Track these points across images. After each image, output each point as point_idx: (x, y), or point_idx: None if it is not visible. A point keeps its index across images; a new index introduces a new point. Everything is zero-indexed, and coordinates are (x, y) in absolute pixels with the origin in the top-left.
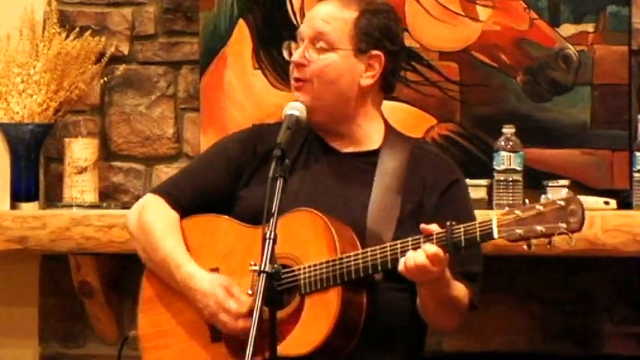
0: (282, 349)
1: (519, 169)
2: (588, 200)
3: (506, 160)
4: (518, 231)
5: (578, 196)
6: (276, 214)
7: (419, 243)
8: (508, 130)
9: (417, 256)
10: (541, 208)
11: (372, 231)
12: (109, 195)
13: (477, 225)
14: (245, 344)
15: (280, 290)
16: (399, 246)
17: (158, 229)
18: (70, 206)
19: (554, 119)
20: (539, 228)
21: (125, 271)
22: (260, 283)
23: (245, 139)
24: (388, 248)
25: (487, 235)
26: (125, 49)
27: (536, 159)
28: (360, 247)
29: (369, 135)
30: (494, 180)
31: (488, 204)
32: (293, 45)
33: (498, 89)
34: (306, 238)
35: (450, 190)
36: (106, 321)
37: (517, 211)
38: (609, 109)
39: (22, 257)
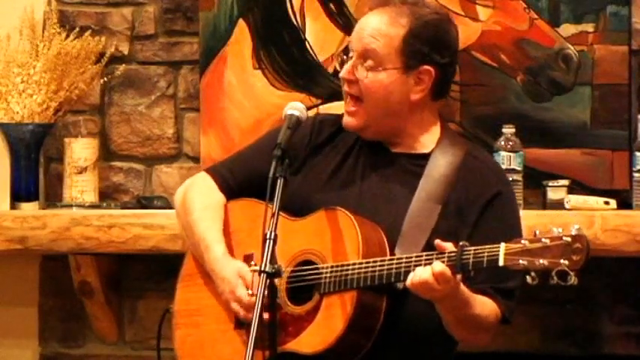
0: (295, 345)
1: (519, 169)
2: (588, 200)
3: (506, 160)
4: (523, 262)
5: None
6: (277, 215)
7: (431, 259)
8: (508, 130)
9: (422, 273)
10: (547, 241)
11: (406, 237)
12: (109, 195)
13: (486, 250)
14: (265, 334)
15: (306, 286)
16: (413, 259)
17: (197, 209)
18: (70, 206)
19: (554, 119)
20: (543, 262)
21: (125, 271)
22: (260, 282)
23: (303, 129)
24: (404, 260)
25: (493, 262)
26: (125, 49)
27: (536, 159)
28: (388, 252)
29: (422, 141)
30: None
31: None
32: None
33: (498, 89)
34: (334, 238)
35: (492, 204)
36: (106, 321)
37: (524, 242)
38: (609, 109)
39: (22, 257)
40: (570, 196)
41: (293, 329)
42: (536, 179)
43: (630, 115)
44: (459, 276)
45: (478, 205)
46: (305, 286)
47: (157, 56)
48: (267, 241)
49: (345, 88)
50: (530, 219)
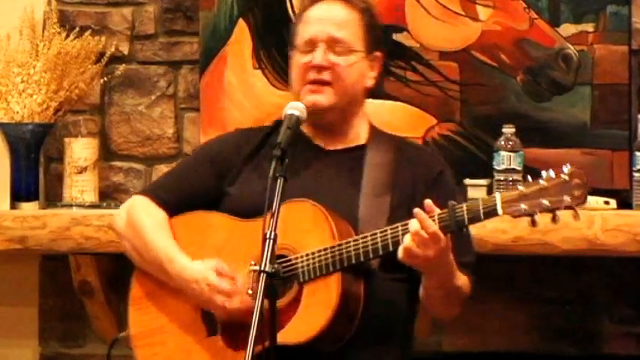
0: (281, 337)
1: (519, 168)
2: (588, 200)
3: (506, 159)
4: (523, 206)
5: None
6: (277, 214)
7: None
8: (508, 130)
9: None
10: (545, 183)
11: (365, 225)
12: (109, 195)
13: (480, 202)
14: (241, 336)
15: (277, 280)
16: (399, 228)
17: (148, 227)
18: (70, 206)
19: (554, 119)
20: (544, 202)
21: (125, 271)
22: (260, 282)
23: (229, 140)
24: (389, 231)
25: (491, 212)
26: (125, 48)
27: (536, 159)
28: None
29: (358, 132)
30: (494, 180)
31: None
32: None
33: (498, 89)
34: (302, 228)
35: (438, 181)
36: (106, 321)
37: (520, 187)
38: (609, 109)
39: (22, 257)
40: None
41: (276, 323)
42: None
43: (630, 115)
44: (447, 237)
45: (426, 183)
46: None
47: (157, 56)
48: (267, 240)
49: (315, 75)
50: None
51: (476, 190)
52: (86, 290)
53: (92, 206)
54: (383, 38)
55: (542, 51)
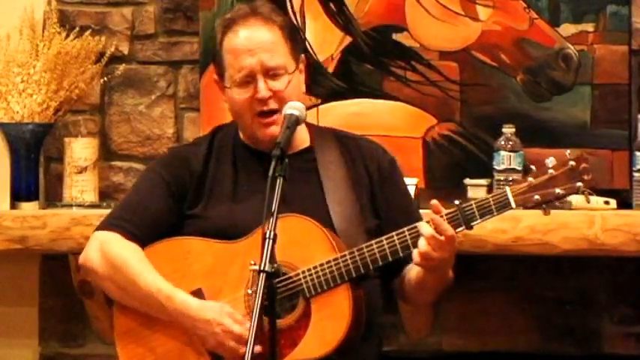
0: (297, 354)
1: (519, 168)
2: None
3: (506, 159)
4: (537, 197)
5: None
6: (276, 214)
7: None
8: (508, 129)
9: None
10: (552, 171)
11: (341, 226)
12: (109, 195)
13: (491, 198)
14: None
15: (280, 298)
16: (407, 233)
17: (133, 262)
18: (70, 206)
19: (554, 119)
20: (558, 190)
21: None
22: (260, 282)
23: (176, 162)
24: (395, 237)
25: (504, 206)
26: (125, 48)
27: (536, 159)
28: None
29: (301, 136)
30: (494, 180)
31: None
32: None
33: (498, 89)
34: (298, 244)
35: (391, 173)
36: (106, 321)
37: (530, 179)
38: (609, 109)
39: (22, 257)
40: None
41: (287, 341)
42: None
43: (630, 115)
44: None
45: (381, 177)
46: (280, 299)
47: (157, 56)
48: (267, 240)
49: (261, 107)
50: (530, 218)
51: (476, 190)
52: (86, 290)
53: (92, 206)
54: (302, 40)
55: (542, 51)
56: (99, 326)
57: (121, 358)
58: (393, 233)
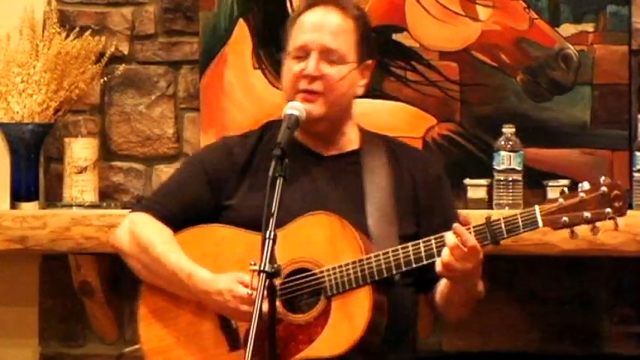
0: (312, 351)
1: (519, 168)
2: None
3: (506, 159)
4: (564, 218)
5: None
6: (275, 214)
7: None
8: (508, 130)
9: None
10: (583, 195)
11: (375, 230)
12: (109, 195)
13: (519, 215)
14: (265, 350)
15: (302, 294)
16: (433, 241)
17: (159, 243)
18: (70, 206)
19: (554, 119)
20: (587, 214)
21: (125, 271)
22: (260, 282)
23: (220, 151)
24: (422, 244)
25: (531, 224)
26: (125, 48)
27: (536, 159)
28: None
29: (350, 138)
30: (494, 180)
31: (488, 204)
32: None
33: (498, 89)
34: (326, 241)
35: (439, 185)
36: (106, 321)
37: (560, 200)
38: (609, 109)
39: (22, 257)
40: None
41: (304, 337)
42: (536, 179)
43: (630, 115)
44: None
45: (427, 188)
46: (297, 295)
47: (157, 56)
48: (267, 240)
49: (306, 85)
50: None
51: (476, 190)
52: (86, 290)
53: (92, 206)
54: (375, 46)
55: (542, 51)
56: (99, 326)
57: (142, 338)
58: (420, 240)
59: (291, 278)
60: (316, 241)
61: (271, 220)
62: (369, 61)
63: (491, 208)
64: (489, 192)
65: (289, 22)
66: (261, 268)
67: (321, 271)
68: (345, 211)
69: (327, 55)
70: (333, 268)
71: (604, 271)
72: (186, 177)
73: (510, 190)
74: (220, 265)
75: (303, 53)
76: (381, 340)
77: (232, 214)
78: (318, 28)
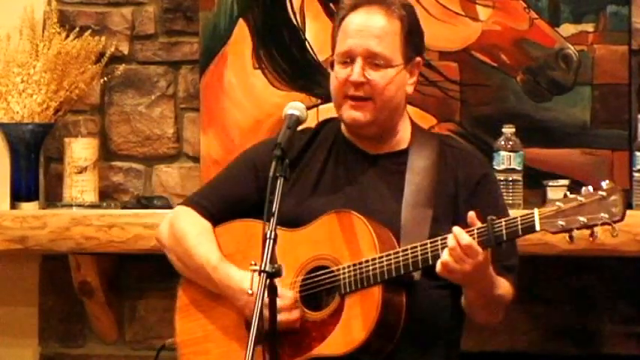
0: (324, 349)
1: (519, 168)
2: None
3: (506, 159)
4: (561, 222)
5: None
6: (276, 214)
7: None
8: (508, 130)
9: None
10: (582, 199)
11: (407, 231)
12: (109, 195)
13: (519, 218)
14: (285, 346)
15: (322, 291)
16: (439, 242)
17: (192, 236)
18: (70, 206)
19: (554, 119)
20: (582, 219)
21: (125, 271)
22: (260, 282)
23: (270, 147)
24: (429, 244)
25: (529, 228)
26: (125, 49)
27: (536, 159)
28: (397, 247)
29: (401, 136)
30: None
31: None
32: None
33: (498, 89)
34: (345, 239)
35: (480, 185)
36: (106, 321)
37: (558, 203)
38: (609, 109)
39: (22, 257)
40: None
41: (318, 334)
42: (536, 179)
43: (630, 115)
44: (488, 250)
45: (468, 187)
46: (318, 292)
47: (157, 56)
48: (267, 240)
49: (353, 91)
50: None
51: None
52: (86, 290)
53: (92, 206)
54: (423, 41)
55: (542, 51)
56: (99, 326)
57: (177, 330)
58: (428, 241)
59: (312, 275)
60: (336, 239)
61: (272, 220)
62: (418, 59)
63: None
64: None
65: (335, 24)
66: (262, 268)
67: (338, 269)
68: (380, 210)
69: (373, 59)
70: (349, 266)
71: (604, 271)
72: (235, 172)
73: (510, 190)
74: (249, 261)
75: (349, 58)
76: (397, 341)
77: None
78: (362, 32)
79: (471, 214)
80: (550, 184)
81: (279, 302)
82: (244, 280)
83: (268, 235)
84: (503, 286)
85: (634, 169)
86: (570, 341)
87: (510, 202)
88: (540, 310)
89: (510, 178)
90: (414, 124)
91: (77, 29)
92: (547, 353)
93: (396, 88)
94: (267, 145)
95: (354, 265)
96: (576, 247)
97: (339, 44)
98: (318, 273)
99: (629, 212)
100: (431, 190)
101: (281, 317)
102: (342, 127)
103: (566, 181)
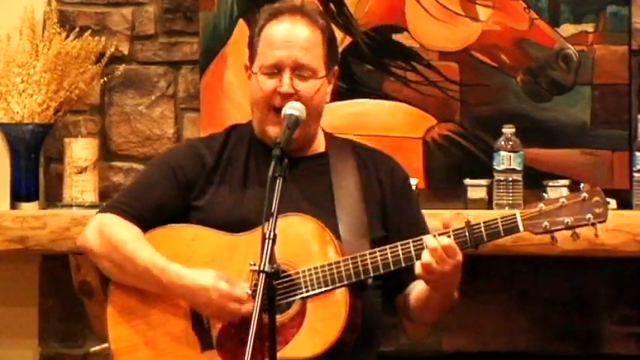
0: (286, 352)
1: (519, 169)
2: None
3: (506, 160)
4: (545, 223)
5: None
6: (275, 214)
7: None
8: (508, 130)
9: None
10: (564, 200)
11: (346, 235)
12: (109, 195)
13: (500, 220)
14: (239, 350)
15: (278, 295)
16: (411, 244)
17: (129, 241)
18: (70, 206)
19: (554, 119)
20: (566, 220)
21: None
22: (260, 282)
23: (187, 153)
24: (399, 247)
25: (512, 229)
26: (125, 49)
27: (536, 159)
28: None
29: (317, 141)
30: (494, 180)
31: (488, 204)
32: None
33: (498, 89)
34: (302, 242)
35: (405, 189)
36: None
37: (541, 205)
38: (609, 109)
39: (22, 257)
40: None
41: (280, 338)
42: (536, 179)
43: (630, 115)
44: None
45: (394, 191)
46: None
47: (157, 56)
48: (267, 240)
49: (279, 102)
50: None
51: (476, 190)
52: (86, 290)
53: (92, 206)
54: (338, 51)
55: (542, 51)
56: (99, 326)
57: (111, 337)
58: (398, 243)
59: None
60: (291, 242)
61: (271, 220)
62: (336, 67)
63: (491, 209)
64: (489, 192)
65: (254, 32)
66: (261, 269)
67: (297, 272)
68: (316, 214)
69: (300, 70)
70: (309, 270)
71: (604, 271)
72: (154, 178)
73: (510, 191)
74: (193, 264)
75: (276, 69)
76: (355, 339)
77: (202, 215)
78: (289, 44)
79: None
80: (550, 184)
81: (242, 292)
82: (199, 277)
83: (267, 235)
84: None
85: (634, 169)
86: (570, 341)
87: (511, 202)
88: (540, 310)
89: (510, 178)
90: (324, 130)
91: (77, 29)
92: (547, 353)
93: (320, 99)
94: (181, 150)
95: (316, 268)
96: (576, 247)
97: (263, 55)
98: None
99: (629, 212)
100: (360, 192)
101: (233, 306)
102: (256, 130)
103: (566, 181)
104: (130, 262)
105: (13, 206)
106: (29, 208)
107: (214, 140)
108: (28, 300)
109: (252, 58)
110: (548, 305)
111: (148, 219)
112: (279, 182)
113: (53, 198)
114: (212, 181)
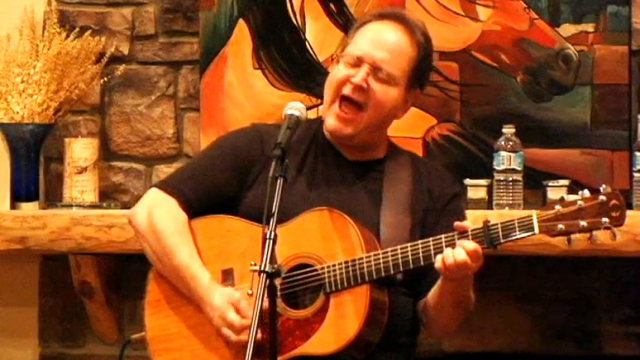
0: (308, 347)
1: (519, 169)
2: None
3: (506, 160)
4: (560, 226)
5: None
6: (276, 214)
7: (453, 240)
8: (508, 130)
9: (456, 254)
10: (582, 203)
11: (387, 237)
12: (109, 195)
13: (516, 221)
14: (260, 348)
15: (303, 289)
16: (431, 243)
17: (172, 234)
18: (70, 206)
19: (554, 119)
20: (582, 223)
21: (125, 271)
22: (260, 282)
23: (252, 138)
24: (420, 245)
25: (527, 230)
26: (125, 49)
27: (536, 159)
28: (380, 248)
29: (379, 149)
30: (494, 180)
31: (488, 204)
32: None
33: (498, 89)
34: (328, 237)
35: (452, 203)
36: (106, 321)
37: (557, 207)
38: (609, 109)
39: (22, 257)
40: (570, 196)
41: (301, 333)
42: (536, 179)
43: (630, 115)
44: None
45: (441, 203)
46: (299, 290)
47: (157, 56)
48: (267, 240)
49: (349, 91)
50: None
51: (476, 190)
52: (86, 290)
53: (92, 206)
54: (428, 77)
55: (542, 51)
56: (99, 326)
57: (147, 325)
58: (419, 242)
59: (293, 273)
60: (319, 236)
61: (272, 220)
62: (417, 90)
63: (491, 209)
64: (489, 192)
65: (356, 24)
66: (262, 269)
67: (322, 267)
68: (358, 213)
69: (378, 71)
70: (334, 265)
71: (604, 271)
72: (216, 160)
73: (510, 191)
74: (224, 257)
75: (357, 62)
76: (379, 339)
77: (244, 206)
78: (378, 44)
79: (457, 224)
80: (550, 184)
81: (237, 319)
82: (213, 294)
83: (268, 236)
84: (472, 290)
85: (634, 169)
86: (570, 341)
87: (511, 202)
88: (540, 310)
89: (510, 179)
90: (389, 139)
91: (77, 29)
92: (547, 353)
93: (390, 107)
94: (247, 133)
95: (340, 263)
96: (576, 247)
97: (353, 45)
98: (300, 271)
99: (629, 212)
100: (408, 199)
101: (232, 338)
102: (324, 126)
103: (566, 182)
104: (167, 257)
105: (13, 206)
106: (29, 208)
107: (279, 129)
108: (28, 300)
109: (344, 47)
110: (549, 305)
111: (201, 205)
112: (279, 182)
113: (53, 198)
114: (266, 173)
